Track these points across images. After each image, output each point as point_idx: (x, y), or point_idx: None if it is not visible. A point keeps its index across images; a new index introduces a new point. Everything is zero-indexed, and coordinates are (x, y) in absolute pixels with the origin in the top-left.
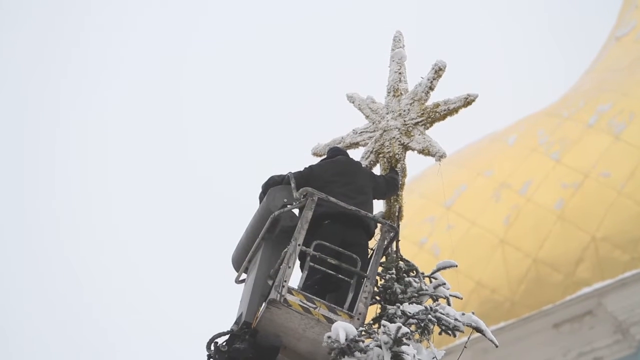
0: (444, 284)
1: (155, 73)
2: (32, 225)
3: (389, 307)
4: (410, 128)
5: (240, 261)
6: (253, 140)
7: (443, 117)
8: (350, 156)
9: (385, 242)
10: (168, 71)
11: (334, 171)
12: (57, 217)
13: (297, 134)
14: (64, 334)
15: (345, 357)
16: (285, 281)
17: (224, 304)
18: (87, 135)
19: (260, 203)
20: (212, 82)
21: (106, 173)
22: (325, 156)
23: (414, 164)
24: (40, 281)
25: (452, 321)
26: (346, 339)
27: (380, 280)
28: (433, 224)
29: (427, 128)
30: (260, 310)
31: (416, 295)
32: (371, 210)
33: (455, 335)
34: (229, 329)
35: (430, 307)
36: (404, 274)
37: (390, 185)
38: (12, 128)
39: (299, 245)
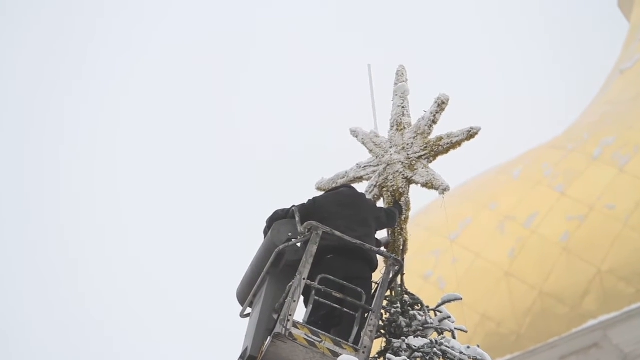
0: (449, 317)
1: (161, 72)
2: (35, 225)
3: (394, 340)
4: (414, 162)
5: (245, 295)
6: (258, 144)
7: (446, 151)
8: (355, 188)
9: (390, 276)
10: (178, 72)
11: (337, 203)
12: (59, 217)
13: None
14: (65, 337)
15: None
16: (290, 315)
17: (228, 310)
18: (94, 136)
19: (264, 237)
20: (218, 84)
21: (113, 174)
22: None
23: (418, 197)
24: (41, 283)
25: (458, 354)
26: None
27: (385, 313)
28: (438, 257)
29: (431, 161)
30: (266, 344)
31: (421, 328)
32: (373, 242)
33: None
34: None
35: (436, 341)
36: (409, 308)
37: (389, 218)
38: (16, 126)
39: (304, 279)
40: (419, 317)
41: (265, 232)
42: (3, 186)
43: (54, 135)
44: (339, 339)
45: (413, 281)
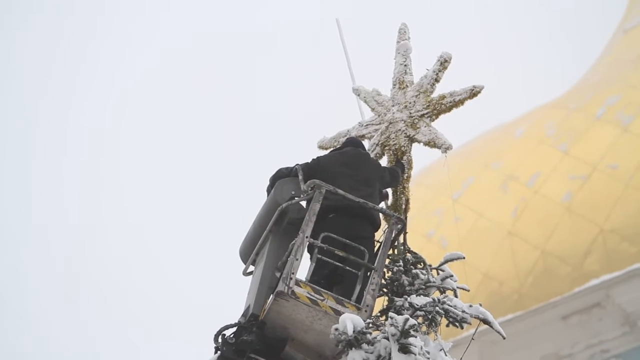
0: (452, 276)
1: (164, 70)
2: (41, 224)
3: (396, 299)
4: (416, 120)
5: (248, 253)
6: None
7: (449, 109)
8: (362, 147)
9: (393, 234)
10: (178, 67)
11: (341, 162)
12: (66, 214)
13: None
14: (82, 333)
15: (353, 349)
16: (293, 273)
17: (232, 296)
18: (99, 132)
19: (267, 195)
20: (218, 80)
21: (118, 170)
22: (333, 149)
23: (421, 156)
24: (56, 279)
25: (460, 313)
26: (354, 331)
27: (388, 272)
28: (440, 216)
29: (433, 120)
30: (268, 302)
31: (423, 287)
32: (377, 202)
33: (462, 327)
34: (237, 321)
35: (438, 299)
36: (412, 266)
37: (393, 177)
38: (21, 123)
39: (306, 237)
40: (422, 276)
41: (269, 190)
42: (6, 186)
43: (58, 134)
44: (341, 298)
45: (415, 240)
